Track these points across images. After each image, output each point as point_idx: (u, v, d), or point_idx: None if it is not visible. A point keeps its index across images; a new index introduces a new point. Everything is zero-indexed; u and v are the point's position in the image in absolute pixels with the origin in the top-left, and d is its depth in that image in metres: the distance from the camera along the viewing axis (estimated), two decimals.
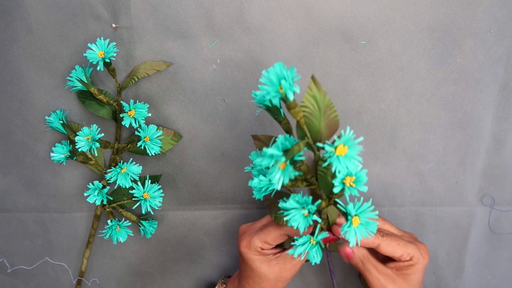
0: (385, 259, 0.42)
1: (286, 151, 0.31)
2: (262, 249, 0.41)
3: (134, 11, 0.46)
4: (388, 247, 0.40)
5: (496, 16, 0.47)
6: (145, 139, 0.47)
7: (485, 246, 0.55)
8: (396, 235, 0.42)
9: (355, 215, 0.33)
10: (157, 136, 0.48)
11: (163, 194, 0.50)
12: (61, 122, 0.48)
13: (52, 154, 0.48)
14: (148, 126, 0.47)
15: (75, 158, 0.48)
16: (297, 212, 0.34)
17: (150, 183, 0.49)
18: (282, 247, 0.43)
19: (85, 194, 0.49)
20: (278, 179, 0.31)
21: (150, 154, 0.47)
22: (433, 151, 0.52)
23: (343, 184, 0.32)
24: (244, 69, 0.49)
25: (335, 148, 0.31)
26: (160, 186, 0.50)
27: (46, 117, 0.49)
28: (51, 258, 0.55)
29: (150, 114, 0.49)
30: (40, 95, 0.49)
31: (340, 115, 0.50)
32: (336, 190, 0.32)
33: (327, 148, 0.31)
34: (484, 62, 0.49)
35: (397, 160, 0.52)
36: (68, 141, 0.49)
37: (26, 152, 0.51)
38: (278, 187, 0.31)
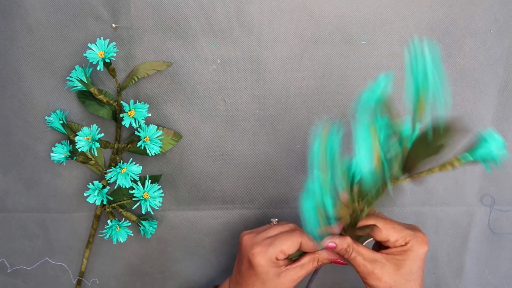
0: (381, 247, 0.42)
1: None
2: (277, 259, 0.40)
3: (134, 11, 0.46)
4: (381, 232, 0.39)
5: (496, 16, 0.47)
6: (145, 139, 0.47)
7: (485, 246, 0.55)
8: (392, 220, 0.41)
9: None
10: (157, 136, 0.48)
11: (163, 194, 0.50)
12: (61, 122, 0.48)
13: (52, 154, 0.48)
14: (148, 126, 0.47)
15: (75, 158, 0.48)
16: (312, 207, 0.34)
17: (150, 183, 0.49)
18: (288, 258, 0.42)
19: (85, 194, 0.49)
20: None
21: (150, 154, 0.47)
22: None
23: None
24: (244, 69, 0.49)
25: None
26: (160, 186, 0.50)
27: (46, 117, 0.49)
28: (51, 258, 0.55)
29: (150, 114, 0.49)
30: (40, 95, 0.49)
31: (340, 115, 0.50)
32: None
33: None
34: (484, 62, 0.49)
35: None
36: (68, 141, 0.49)
37: (26, 152, 0.51)
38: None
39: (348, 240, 0.40)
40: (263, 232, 0.42)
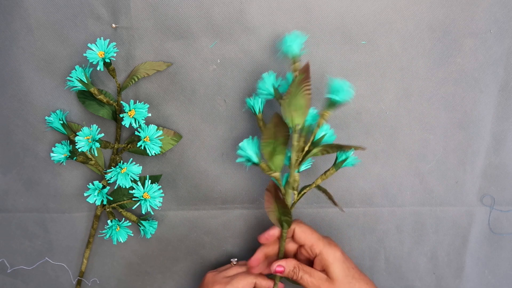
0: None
1: None
2: None
3: (134, 11, 0.46)
4: (302, 234, 0.45)
5: (496, 16, 0.47)
6: (145, 139, 0.47)
7: (485, 246, 0.55)
8: (311, 228, 0.46)
9: None
10: (157, 136, 0.48)
11: (163, 194, 0.50)
12: (61, 122, 0.48)
13: (52, 154, 0.48)
14: (148, 126, 0.47)
15: (75, 158, 0.48)
16: None
17: (150, 183, 0.49)
18: None
19: (85, 194, 0.49)
20: None
21: (150, 154, 0.47)
22: (433, 151, 0.52)
23: None
24: (244, 69, 0.49)
25: None
26: (160, 186, 0.50)
27: (46, 117, 0.49)
28: (51, 258, 0.55)
29: (150, 114, 0.49)
30: (40, 95, 0.49)
31: (340, 115, 0.50)
32: None
33: None
34: (484, 62, 0.49)
35: (397, 160, 0.52)
36: (68, 141, 0.49)
37: (26, 152, 0.51)
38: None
39: (294, 262, 0.44)
40: (223, 272, 0.49)
